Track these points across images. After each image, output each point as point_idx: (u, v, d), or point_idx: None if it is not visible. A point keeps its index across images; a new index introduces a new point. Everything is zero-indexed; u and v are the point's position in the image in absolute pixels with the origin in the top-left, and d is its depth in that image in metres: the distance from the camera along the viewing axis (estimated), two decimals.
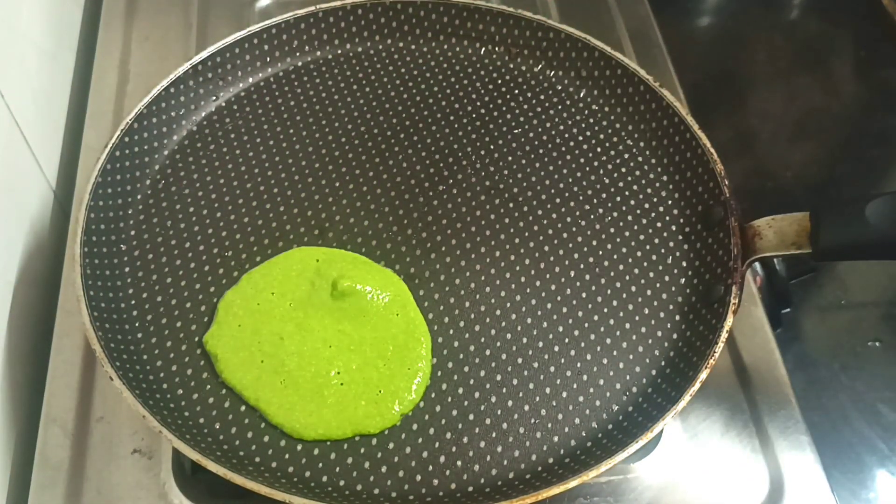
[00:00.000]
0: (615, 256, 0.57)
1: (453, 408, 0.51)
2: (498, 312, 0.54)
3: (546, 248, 0.57)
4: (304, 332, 0.52)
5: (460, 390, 0.51)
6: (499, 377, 0.52)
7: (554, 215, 0.59)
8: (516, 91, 0.67)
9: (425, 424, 0.50)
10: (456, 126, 0.65)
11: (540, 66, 0.68)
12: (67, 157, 0.69)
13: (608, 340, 0.53)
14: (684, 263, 0.57)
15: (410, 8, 0.68)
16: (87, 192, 0.56)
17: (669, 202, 0.60)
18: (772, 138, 0.75)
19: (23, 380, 0.56)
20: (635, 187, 0.61)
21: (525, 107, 0.66)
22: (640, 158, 0.62)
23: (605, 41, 0.65)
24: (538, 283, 0.56)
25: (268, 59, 0.67)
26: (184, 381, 0.51)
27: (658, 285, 0.56)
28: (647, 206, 0.60)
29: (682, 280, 0.56)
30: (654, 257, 0.57)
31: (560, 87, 0.67)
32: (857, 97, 0.71)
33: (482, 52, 0.69)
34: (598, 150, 0.63)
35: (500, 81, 0.67)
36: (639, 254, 0.57)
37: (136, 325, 0.53)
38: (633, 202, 0.60)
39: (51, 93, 0.69)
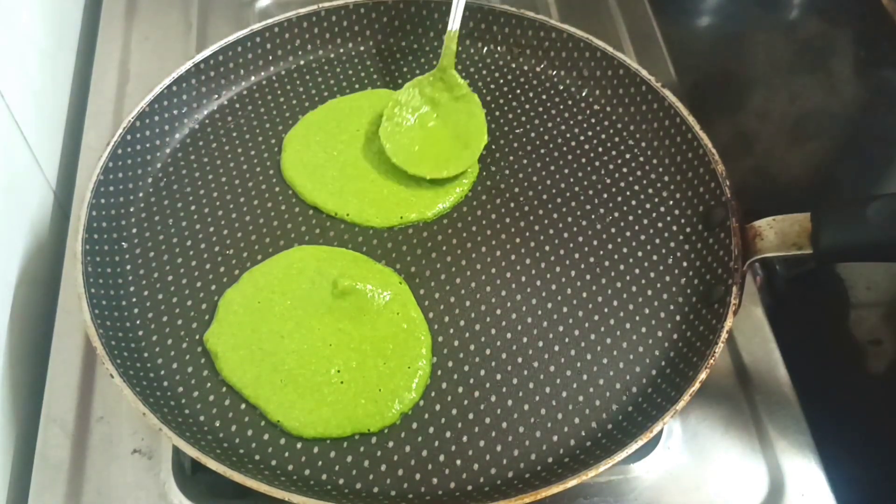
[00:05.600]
0: (615, 256, 0.57)
1: (453, 407, 0.51)
2: (498, 312, 0.54)
3: (546, 248, 0.58)
4: (304, 330, 0.52)
5: (460, 389, 0.51)
6: (498, 376, 0.52)
7: (555, 215, 0.59)
8: (518, 90, 0.67)
9: (425, 423, 0.50)
10: None
11: (542, 65, 0.68)
12: (67, 157, 0.69)
13: (608, 340, 0.53)
14: (685, 264, 0.57)
15: (413, 7, 0.68)
16: (89, 189, 0.56)
17: (670, 202, 0.60)
18: (772, 138, 0.75)
19: (23, 380, 0.56)
20: (636, 187, 0.61)
21: (527, 106, 0.66)
22: (641, 158, 0.62)
23: (605, 41, 0.65)
24: (538, 283, 0.56)
25: (270, 57, 0.67)
26: (184, 379, 0.51)
27: (658, 285, 0.56)
28: (647, 206, 0.60)
29: (683, 280, 0.56)
30: (654, 257, 0.57)
31: (562, 87, 0.67)
32: (857, 97, 0.71)
33: (484, 52, 0.69)
34: (600, 149, 0.63)
35: (501, 81, 0.67)
36: (639, 254, 0.57)
37: (137, 322, 0.53)
38: (633, 202, 0.60)
39: (51, 93, 0.69)
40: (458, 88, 0.62)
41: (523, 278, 0.56)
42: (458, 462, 0.49)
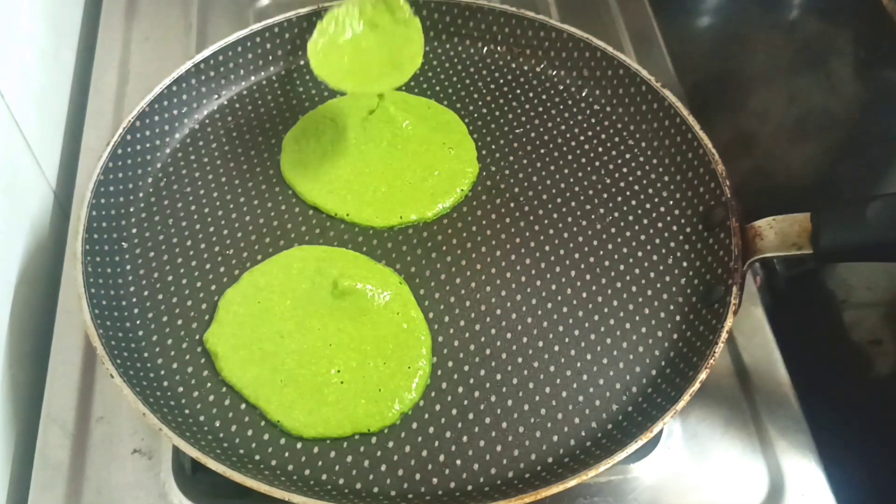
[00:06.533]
0: (615, 256, 0.57)
1: (453, 407, 0.51)
2: (498, 312, 0.54)
3: (546, 248, 0.58)
4: (305, 330, 0.52)
5: (460, 389, 0.51)
6: (498, 376, 0.52)
7: (555, 215, 0.59)
8: (518, 91, 0.67)
9: (425, 423, 0.50)
10: None
11: (542, 65, 0.68)
12: (67, 157, 0.69)
13: (608, 340, 0.53)
14: (685, 264, 0.57)
15: (412, 7, 0.68)
16: (90, 189, 0.56)
17: (670, 202, 0.60)
18: (772, 138, 0.75)
19: (23, 380, 0.56)
20: (636, 187, 0.61)
21: (527, 106, 0.66)
22: (641, 158, 0.62)
23: (605, 41, 0.65)
24: (538, 283, 0.56)
25: (270, 57, 0.67)
26: (184, 379, 0.51)
27: (658, 285, 0.56)
28: (647, 206, 0.60)
29: (683, 280, 0.56)
30: (654, 257, 0.57)
31: (562, 87, 0.67)
32: (857, 97, 0.71)
33: (484, 52, 0.69)
34: (600, 149, 0.63)
35: (501, 81, 0.67)
36: (639, 254, 0.57)
37: (137, 322, 0.53)
38: (633, 202, 0.60)
39: (51, 93, 0.69)
40: (399, 11, 0.60)
41: (523, 278, 0.56)
42: (458, 462, 0.49)
